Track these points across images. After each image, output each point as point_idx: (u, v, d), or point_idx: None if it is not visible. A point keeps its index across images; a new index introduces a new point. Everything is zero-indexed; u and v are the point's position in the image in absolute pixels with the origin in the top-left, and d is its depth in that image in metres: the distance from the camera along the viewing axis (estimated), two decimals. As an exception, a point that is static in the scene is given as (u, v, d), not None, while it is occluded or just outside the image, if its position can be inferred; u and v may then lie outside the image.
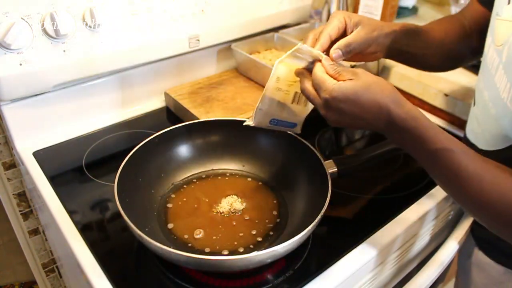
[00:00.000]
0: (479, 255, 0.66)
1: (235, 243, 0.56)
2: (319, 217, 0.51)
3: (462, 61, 0.73)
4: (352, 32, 0.56)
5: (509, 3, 0.51)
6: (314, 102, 0.50)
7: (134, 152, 0.60)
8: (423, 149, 0.47)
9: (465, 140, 0.62)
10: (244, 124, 0.58)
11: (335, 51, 0.53)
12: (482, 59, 0.61)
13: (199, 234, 0.57)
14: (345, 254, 0.57)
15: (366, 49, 0.58)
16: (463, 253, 0.71)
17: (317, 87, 0.49)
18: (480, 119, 0.57)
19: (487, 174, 0.44)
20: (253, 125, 0.58)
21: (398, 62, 0.68)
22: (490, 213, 0.45)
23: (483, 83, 0.56)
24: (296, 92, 0.56)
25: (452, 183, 0.47)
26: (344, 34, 0.56)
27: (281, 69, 0.53)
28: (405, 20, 1.20)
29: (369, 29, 0.57)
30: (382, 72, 0.98)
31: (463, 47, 0.69)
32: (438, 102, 0.90)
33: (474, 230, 0.68)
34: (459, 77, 0.93)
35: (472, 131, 0.60)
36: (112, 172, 0.59)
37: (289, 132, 0.63)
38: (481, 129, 0.57)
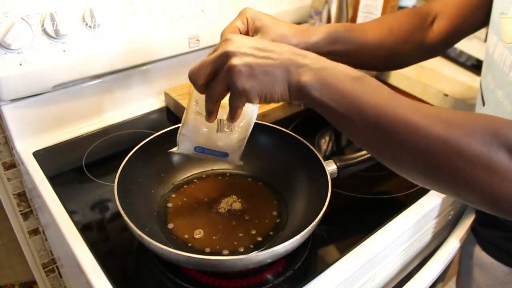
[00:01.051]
0: (482, 255, 0.65)
1: (235, 243, 0.56)
2: (319, 217, 0.51)
3: (406, 62, 0.67)
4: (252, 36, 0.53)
5: None
6: (205, 60, 0.43)
7: (134, 152, 0.60)
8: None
9: None
10: (169, 151, 0.54)
11: None
12: (485, 58, 0.61)
13: (199, 234, 0.57)
14: (345, 254, 0.57)
15: None
16: (464, 253, 0.71)
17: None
18: None
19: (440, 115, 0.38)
20: (178, 152, 0.54)
21: None
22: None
23: (494, 82, 0.56)
24: (220, 120, 0.50)
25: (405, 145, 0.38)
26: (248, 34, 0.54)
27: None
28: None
29: (271, 38, 0.54)
30: (382, 72, 0.98)
31: (410, 46, 0.64)
32: (438, 102, 0.90)
33: (476, 230, 0.68)
34: (459, 77, 0.93)
35: None
36: (112, 172, 0.59)
37: (288, 132, 0.63)
38: None
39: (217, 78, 0.43)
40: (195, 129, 0.52)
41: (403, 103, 0.38)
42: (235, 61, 0.40)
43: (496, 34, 0.55)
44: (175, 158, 0.67)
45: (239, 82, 0.41)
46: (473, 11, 0.62)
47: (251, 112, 0.53)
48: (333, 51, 0.58)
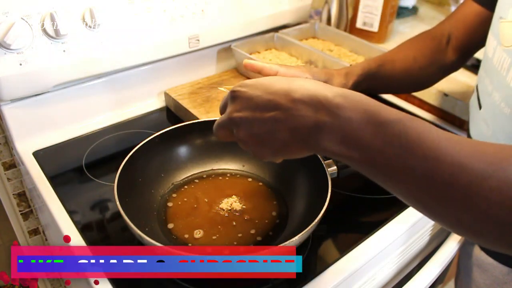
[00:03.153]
0: (481, 255, 0.65)
1: (235, 243, 0.56)
2: (319, 217, 0.51)
3: (432, 82, 0.74)
4: None
5: None
6: (220, 120, 0.42)
7: (134, 152, 0.60)
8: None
9: None
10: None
11: None
12: (483, 62, 0.61)
13: (199, 234, 0.57)
14: (345, 254, 0.57)
15: None
16: (463, 253, 0.71)
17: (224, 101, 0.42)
18: (490, 121, 0.57)
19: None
20: None
21: None
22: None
23: (492, 85, 0.56)
24: None
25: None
26: None
27: None
28: (405, 20, 1.20)
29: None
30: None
31: (434, 69, 0.70)
32: (438, 102, 0.90)
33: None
34: (459, 77, 0.93)
35: (481, 134, 0.60)
36: (112, 172, 0.59)
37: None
38: (492, 131, 0.56)
39: (225, 131, 0.42)
40: None
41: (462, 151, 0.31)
42: (240, 133, 0.38)
43: (495, 38, 0.56)
44: (175, 158, 0.67)
45: (250, 151, 0.39)
46: (482, 24, 0.65)
47: None
48: (368, 88, 0.64)
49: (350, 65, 0.86)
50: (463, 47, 0.70)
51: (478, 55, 0.97)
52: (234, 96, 0.39)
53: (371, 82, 0.64)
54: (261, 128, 0.36)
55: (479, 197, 0.29)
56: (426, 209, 0.33)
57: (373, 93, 0.70)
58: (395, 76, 0.67)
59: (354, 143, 0.32)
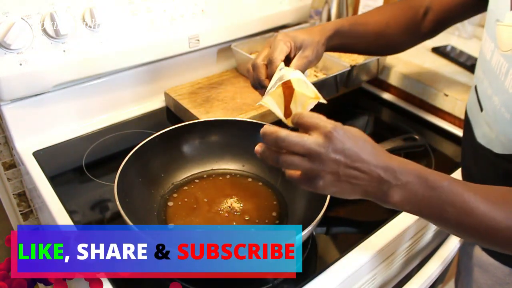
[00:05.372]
0: (482, 256, 0.65)
1: (235, 243, 0.56)
2: (319, 217, 0.51)
3: (401, 49, 0.76)
4: (295, 54, 0.60)
5: None
6: (301, 144, 0.42)
7: (134, 152, 0.60)
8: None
9: (476, 145, 0.61)
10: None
11: None
12: (480, 63, 0.60)
13: (199, 234, 0.57)
14: (345, 254, 0.57)
15: (308, 66, 0.61)
16: (463, 253, 0.71)
17: (311, 126, 0.43)
18: (492, 124, 0.57)
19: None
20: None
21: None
22: None
23: (491, 89, 0.56)
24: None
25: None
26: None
27: (270, 100, 0.52)
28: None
29: (310, 49, 0.60)
30: (382, 72, 0.98)
31: (406, 37, 0.72)
32: (438, 102, 0.90)
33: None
34: (459, 77, 0.93)
35: (485, 136, 0.59)
36: (112, 172, 0.59)
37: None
38: (495, 134, 0.56)
39: (300, 160, 0.42)
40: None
41: (482, 206, 0.42)
42: (326, 167, 0.41)
43: (493, 41, 0.55)
44: (175, 158, 0.67)
45: (319, 184, 0.42)
46: (462, 3, 0.68)
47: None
48: (340, 44, 0.67)
49: (351, 65, 0.86)
50: (439, 21, 0.71)
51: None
52: (330, 136, 0.41)
53: (342, 40, 0.67)
54: (345, 172, 0.42)
55: (499, 235, 0.42)
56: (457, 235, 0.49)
57: (345, 51, 0.73)
58: (366, 37, 0.69)
59: (410, 201, 0.43)
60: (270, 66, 0.57)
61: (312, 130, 0.42)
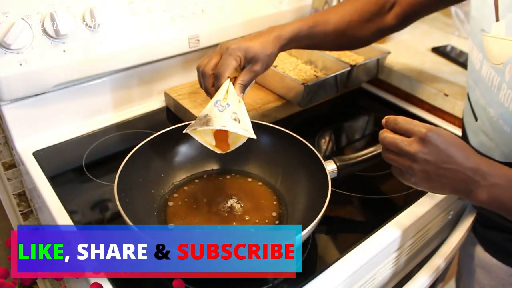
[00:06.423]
0: (484, 256, 0.65)
1: (235, 243, 0.56)
2: (319, 217, 0.51)
3: (365, 44, 0.76)
4: (244, 66, 0.61)
5: (497, 20, 0.50)
6: (400, 145, 0.48)
7: (134, 152, 0.60)
8: None
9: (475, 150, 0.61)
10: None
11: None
12: (470, 71, 0.60)
13: (199, 234, 0.57)
14: (345, 254, 0.57)
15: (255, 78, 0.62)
16: (464, 253, 0.71)
17: (407, 130, 0.48)
18: (491, 135, 0.56)
19: None
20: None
21: None
22: None
23: (484, 99, 0.56)
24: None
25: None
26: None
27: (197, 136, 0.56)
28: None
29: (261, 63, 0.61)
30: (382, 72, 0.98)
31: (370, 32, 0.71)
32: (438, 102, 0.90)
33: (477, 230, 0.68)
34: (459, 77, 0.93)
35: (483, 145, 0.59)
36: (112, 172, 0.59)
37: (288, 132, 0.63)
38: (495, 144, 0.56)
39: (397, 158, 0.49)
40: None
41: None
42: (419, 167, 0.46)
43: (481, 51, 0.55)
44: (175, 158, 0.67)
45: (411, 180, 0.48)
46: (430, 1, 0.68)
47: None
48: (298, 46, 0.68)
49: (351, 65, 0.86)
50: (406, 15, 0.71)
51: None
52: (427, 140, 0.46)
53: (300, 43, 0.67)
54: (436, 171, 0.46)
55: None
56: None
57: (305, 49, 0.72)
58: (325, 37, 0.69)
59: (496, 200, 0.46)
60: (216, 80, 0.58)
61: (409, 134, 0.47)
